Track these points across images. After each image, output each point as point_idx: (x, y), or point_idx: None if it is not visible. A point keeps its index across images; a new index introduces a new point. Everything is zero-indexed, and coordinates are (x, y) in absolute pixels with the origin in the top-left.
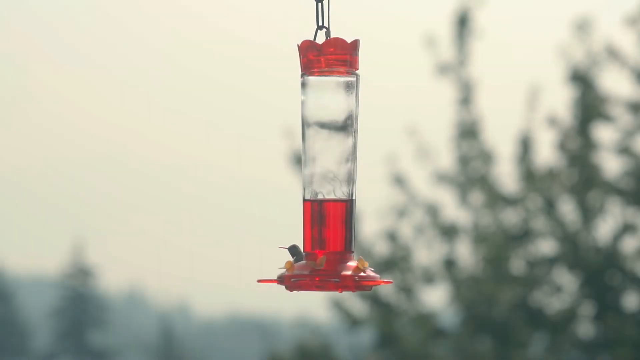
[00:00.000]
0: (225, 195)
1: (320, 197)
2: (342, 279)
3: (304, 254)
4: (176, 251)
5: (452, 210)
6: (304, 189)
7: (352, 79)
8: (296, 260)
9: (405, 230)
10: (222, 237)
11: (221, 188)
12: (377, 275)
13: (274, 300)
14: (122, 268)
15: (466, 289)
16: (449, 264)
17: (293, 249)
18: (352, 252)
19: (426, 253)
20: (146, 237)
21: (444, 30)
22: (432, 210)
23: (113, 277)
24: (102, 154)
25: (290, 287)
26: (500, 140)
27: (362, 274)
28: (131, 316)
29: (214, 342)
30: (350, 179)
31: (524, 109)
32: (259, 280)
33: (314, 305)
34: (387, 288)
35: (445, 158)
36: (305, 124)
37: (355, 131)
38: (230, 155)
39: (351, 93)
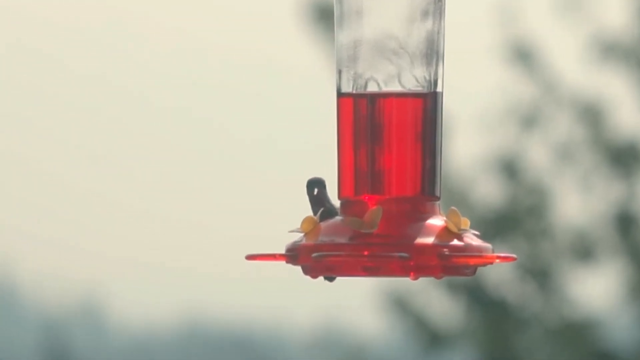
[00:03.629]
0: (184, 91)
1: (371, 87)
2: (416, 253)
3: (339, 201)
4: (78, 210)
5: (631, 114)
6: (339, 72)
7: None
8: (323, 216)
9: (537, 155)
10: (171, 177)
11: (182, 80)
12: (487, 245)
13: (273, 297)
14: None
15: None
16: (626, 223)
17: (315, 192)
18: (437, 198)
19: (579, 200)
20: (22, 181)
21: None
22: (591, 114)
23: None
24: None
25: (312, 270)
26: None
27: (455, 242)
28: None
29: None
30: (432, 54)
31: None
32: (249, 257)
33: (354, 305)
34: (503, 270)
35: (616, 11)
36: None
37: None
38: (201, 17)
39: None
